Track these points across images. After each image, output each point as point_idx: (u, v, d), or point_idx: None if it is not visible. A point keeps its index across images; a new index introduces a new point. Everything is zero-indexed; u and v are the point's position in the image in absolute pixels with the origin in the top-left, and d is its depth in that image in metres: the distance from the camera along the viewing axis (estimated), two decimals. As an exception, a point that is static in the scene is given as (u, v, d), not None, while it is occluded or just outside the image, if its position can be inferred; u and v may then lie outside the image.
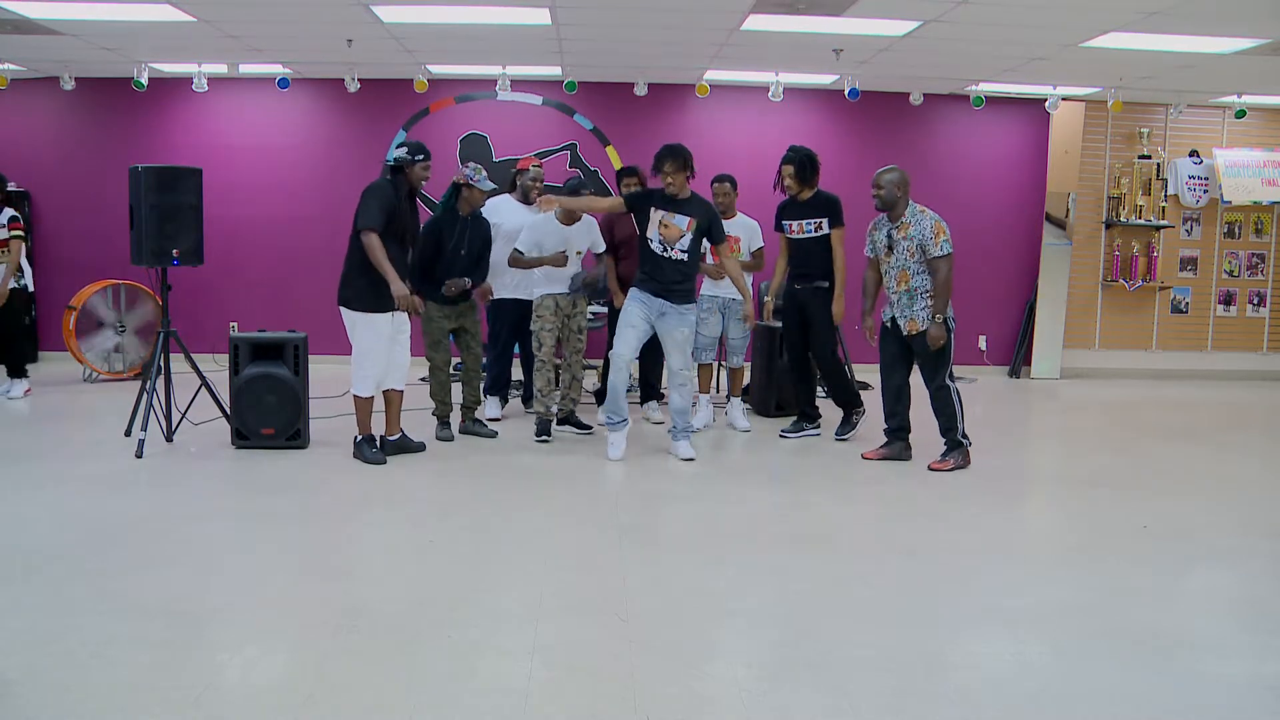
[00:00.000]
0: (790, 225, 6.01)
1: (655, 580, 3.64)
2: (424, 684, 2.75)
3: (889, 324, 5.51)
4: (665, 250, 5.36)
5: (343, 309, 5.23)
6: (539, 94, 8.93)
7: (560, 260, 5.84)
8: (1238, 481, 5.62)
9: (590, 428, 6.15)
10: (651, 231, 5.37)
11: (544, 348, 5.86)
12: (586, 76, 8.60)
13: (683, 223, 5.35)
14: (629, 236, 6.23)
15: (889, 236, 5.42)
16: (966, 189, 9.10)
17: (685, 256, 5.39)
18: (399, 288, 5.06)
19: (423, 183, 5.28)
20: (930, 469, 5.40)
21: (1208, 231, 9.51)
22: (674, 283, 5.42)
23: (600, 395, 6.66)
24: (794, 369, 6.30)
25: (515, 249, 5.90)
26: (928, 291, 5.31)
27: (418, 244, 5.78)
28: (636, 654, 2.95)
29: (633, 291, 5.51)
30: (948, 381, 5.38)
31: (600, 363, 6.73)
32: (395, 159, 5.22)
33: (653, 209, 5.37)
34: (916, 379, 5.53)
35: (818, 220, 5.91)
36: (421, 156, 5.21)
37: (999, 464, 5.67)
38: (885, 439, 5.67)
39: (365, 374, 5.27)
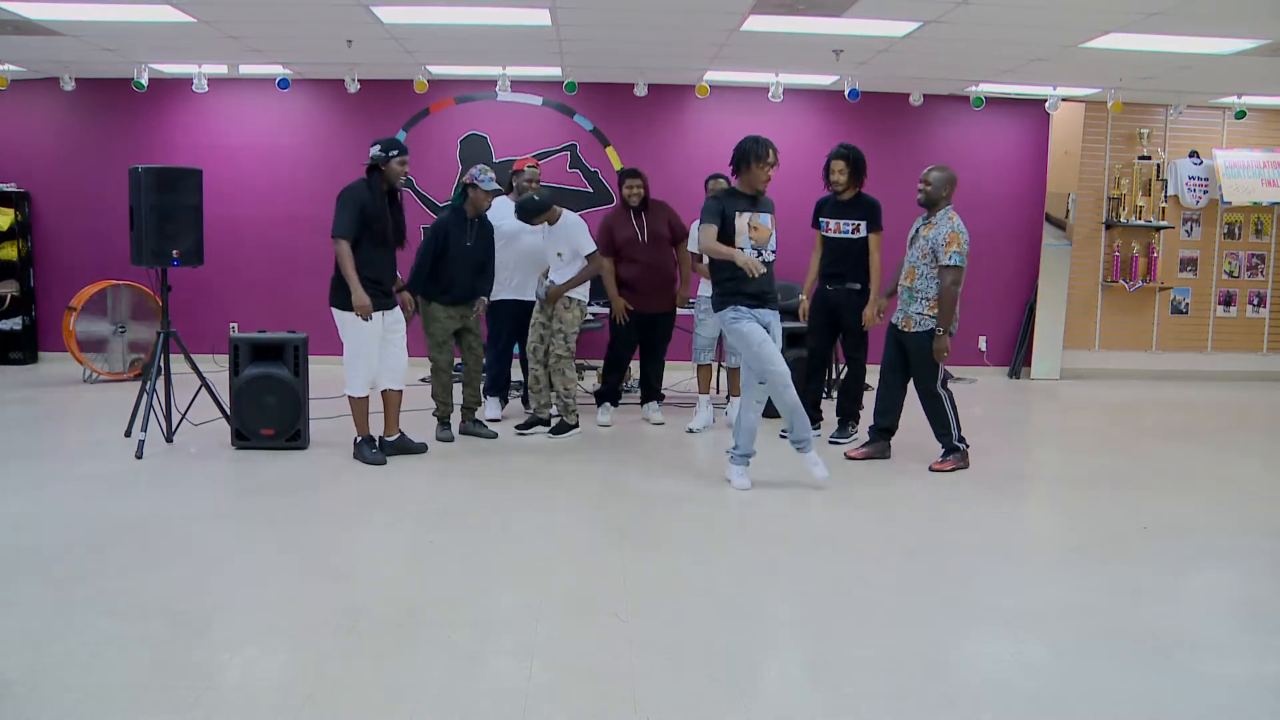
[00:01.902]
0: (828, 223, 5.99)
1: (655, 580, 3.64)
2: (424, 684, 2.75)
3: (898, 324, 5.46)
4: (760, 254, 4.88)
5: (334, 310, 5.25)
6: (539, 94, 8.93)
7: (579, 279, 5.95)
8: (1238, 481, 5.61)
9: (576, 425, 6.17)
10: (741, 239, 4.87)
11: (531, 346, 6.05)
12: (586, 77, 8.60)
13: (767, 220, 4.97)
14: (629, 239, 6.25)
15: (916, 230, 5.43)
16: (966, 189, 8.95)
17: (774, 256, 4.98)
18: (360, 296, 5.08)
19: (399, 179, 5.23)
20: (931, 469, 5.40)
21: (1208, 232, 9.51)
22: (772, 288, 5.00)
23: (600, 395, 6.65)
24: (809, 367, 6.27)
25: (550, 281, 5.97)
26: (928, 298, 5.27)
27: (422, 244, 5.78)
28: (636, 654, 2.95)
29: (738, 313, 4.91)
30: (939, 389, 5.36)
31: (600, 363, 6.72)
32: (371, 157, 5.19)
33: (737, 214, 4.89)
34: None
35: (855, 222, 5.90)
36: (395, 152, 5.18)
37: (999, 464, 5.67)
38: (870, 437, 5.68)
39: (356, 374, 5.30)
